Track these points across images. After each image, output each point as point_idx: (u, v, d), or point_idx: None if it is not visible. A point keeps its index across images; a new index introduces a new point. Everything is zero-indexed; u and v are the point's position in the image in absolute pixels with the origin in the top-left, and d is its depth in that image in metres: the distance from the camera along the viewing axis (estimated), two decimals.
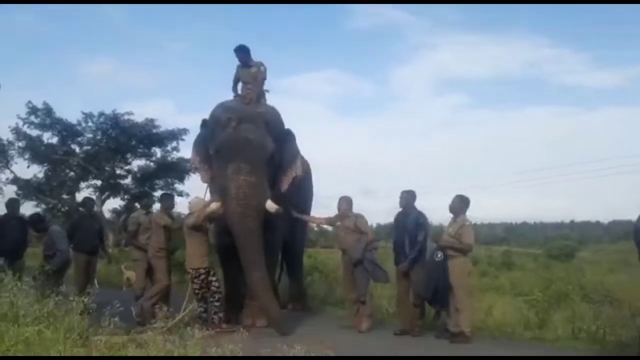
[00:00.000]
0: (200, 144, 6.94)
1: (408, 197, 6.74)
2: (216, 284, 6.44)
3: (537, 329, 6.45)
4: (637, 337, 5.72)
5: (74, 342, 3.03)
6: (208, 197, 6.85)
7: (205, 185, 7.02)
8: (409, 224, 6.51)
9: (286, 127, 7.05)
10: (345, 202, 7.04)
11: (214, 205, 6.31)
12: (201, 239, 6.48)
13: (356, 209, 7.09)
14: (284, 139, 6.88)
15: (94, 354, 2.74)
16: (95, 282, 8.44)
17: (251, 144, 6.34)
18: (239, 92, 7.17)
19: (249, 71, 7.06)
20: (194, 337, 3.14)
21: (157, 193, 19.91)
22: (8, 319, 3.30)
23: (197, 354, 2.94)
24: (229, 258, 6.86)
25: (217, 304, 6.33)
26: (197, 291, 6.26)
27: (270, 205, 6.37)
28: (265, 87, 7.15)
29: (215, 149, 6.50)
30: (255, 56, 7.16)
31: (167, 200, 7.57)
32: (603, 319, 6.21)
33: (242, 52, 7.06)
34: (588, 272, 13.68)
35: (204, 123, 6.96)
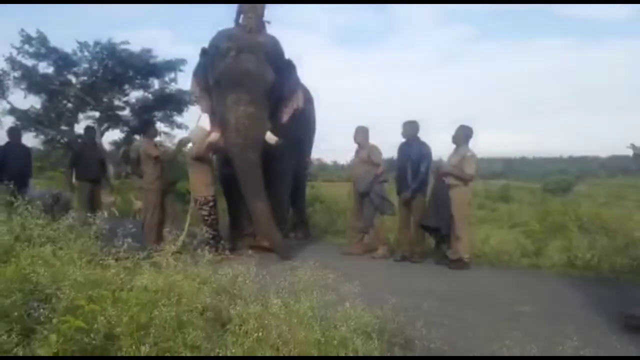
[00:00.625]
0: (201, 73, 6.85)
1: (411, 128, 6.74)
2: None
3: (534, 257, 6.62)
4: (630, 265, 5.90)
5: (88, 262, 3.10)
6: (208, 126, 6.84)
7: (201, 114, 6.97)
8: (412, 154, 6.55)
9: (287, 57, 6.91)
10: (362, 133, 7.10)
11: (214, 136, 6.35)
12: (205, 169, 6.57)
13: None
14: (285, 69, 6.77)
15: (109, 274, 2.80)
16: (104, 211, 8.57)
17: (250, 75, 6.27)
18: (241, 22, 7.00)
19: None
20: (205, 258, 3.22)
21: (157, 125, 19.88)
22: (22, 240, 3.39)
23: (209, 274, 3.03)
24: (231, 188, 6.96)
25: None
26: (206, 217, 6.40)
27: (270, 137, 6.38)
28: (265, 18, 6.97)
29: (215, 79, 6.43)
30: None
31: (150, 128, 7.46)
32: (598, 248, 6.36)
33: None
34: (584, 205, 13.86)
35: (204, 52, 6.82)
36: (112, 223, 3.71)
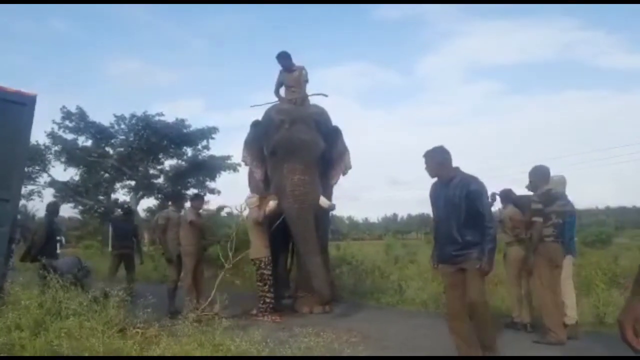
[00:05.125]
0: (253, 143, 7.43)
1: (439, 156, 4.63)
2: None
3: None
4: None
5: (111, 333, 3.25)
6: (248, 191, 7.43)
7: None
8: (457, 194, 4.61)
9: (333, 124, 7.52)
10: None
11: (272, 204, 6.68)
12: (264, 232, 6.80)
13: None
14: (332, 135, 7.35)
15: (129, 344, 2.94)
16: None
17: (304, 145, 6.78)
18: (282, 95, 7.70)
19: (292, 75, 7.64)
20: (223, 325, 3.33)
21: (190, 191, 20.42)
22: (52, 313, 3.58)
23: (227, 342, 3.13)
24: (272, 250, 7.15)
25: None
26: (269, 277, 6.62)
27: (324, 202, 6.80)
28: (309, 89, 7.66)
29: (271, 149, 6.97)
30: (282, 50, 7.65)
31: (197, 201, 7.74)
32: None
33: (284, 58, 7.61)
34: (625, 258, 13.40)
35: (256, 124, 7.48)
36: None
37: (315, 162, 6.90)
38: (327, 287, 6.79)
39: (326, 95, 7.77)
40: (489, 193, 6.01)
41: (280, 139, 6.84)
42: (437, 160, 4.34)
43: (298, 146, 6.74)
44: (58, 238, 9.29)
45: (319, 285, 6.65)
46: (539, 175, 5.49)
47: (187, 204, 8.10)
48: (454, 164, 4.31)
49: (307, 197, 6.67)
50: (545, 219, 5.24)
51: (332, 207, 7.10)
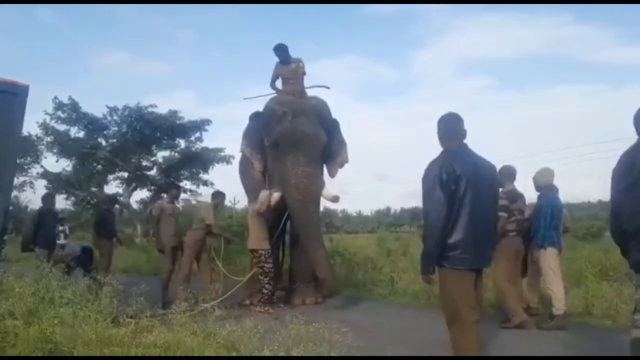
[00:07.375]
0: (253, 134, 7.40)
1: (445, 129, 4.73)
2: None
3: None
4: None
5: (105, 322, 3.28)
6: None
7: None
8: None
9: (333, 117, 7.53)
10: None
11: (276, 195, 6.73)
12: (265, 223, 6.85)
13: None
14: (333, 128, 7.39)
15: (122, 332, 2.98)
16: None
17: (308, 137, 6.82)
18: (278, 87, 7.68)
19: (289, 67, 7.60)
20: (214, 315, 3.37)
21: (182, 183, 20.40)
22: (45, 302, 3.60)
23: (214, 330, 3.17)
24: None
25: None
26: (270, 270, 6.68)
27: (327, 194, 6.95)
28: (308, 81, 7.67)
29: (273, 141, 6.97)
30: (272, 44, 7.60)
31: (173, 190, 7.89)
32: (623, 296, 6.23)
33: (281, 50, 7.58)
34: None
35: (256, 115, 7.48)
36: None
37: (318, 155, 6.97)
38: (331, 277, 6.91)
39: (328, 88, 7.80)
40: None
41: (283, 130, 6.85)
42: (443, 129, 3.52)
43: (301, 139, 6.78)
44: (61, 228, 9.60)
45: (323, 275, 6.74)
46: (505, 174, 5.81)
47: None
48: None
49: (310, 189, 6.74)
50: (509, 215, 5.66)
51: (336, 199, 7.15)
